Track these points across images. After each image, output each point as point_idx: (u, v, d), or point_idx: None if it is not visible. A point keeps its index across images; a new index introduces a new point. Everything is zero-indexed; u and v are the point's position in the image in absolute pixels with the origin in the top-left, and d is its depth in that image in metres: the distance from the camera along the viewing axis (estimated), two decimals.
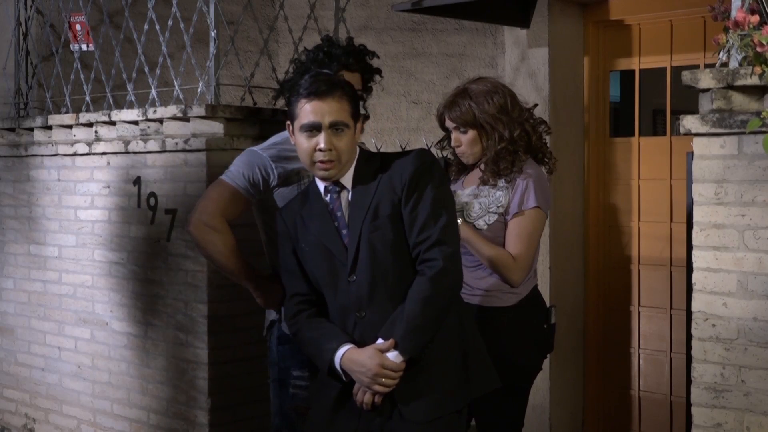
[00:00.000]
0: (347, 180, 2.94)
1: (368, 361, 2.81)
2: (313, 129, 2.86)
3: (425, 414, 2.86)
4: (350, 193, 2.94)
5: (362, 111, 3.11)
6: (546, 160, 3.58)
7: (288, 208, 3.08)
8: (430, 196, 2.86)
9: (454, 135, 3.52)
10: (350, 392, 2.91)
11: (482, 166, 3.51)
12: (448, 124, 3.53)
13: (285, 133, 3.48)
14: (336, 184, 2.95)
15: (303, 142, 2.90)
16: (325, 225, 2.94)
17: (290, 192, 3.34)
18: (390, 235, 2.86)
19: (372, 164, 2.96)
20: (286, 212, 3.06)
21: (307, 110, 2.87)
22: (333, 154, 2.86)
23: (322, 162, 2.87)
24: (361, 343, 2.88)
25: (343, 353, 2.86)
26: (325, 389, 2.99)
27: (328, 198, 2.96)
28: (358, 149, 2.99)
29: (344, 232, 2.91)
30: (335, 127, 2.85)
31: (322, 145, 2.85)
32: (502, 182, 3.45)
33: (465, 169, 3.61)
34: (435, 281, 2.83)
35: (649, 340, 5.05)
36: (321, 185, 2.99)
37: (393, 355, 2.82)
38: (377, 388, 2.83)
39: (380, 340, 2.85)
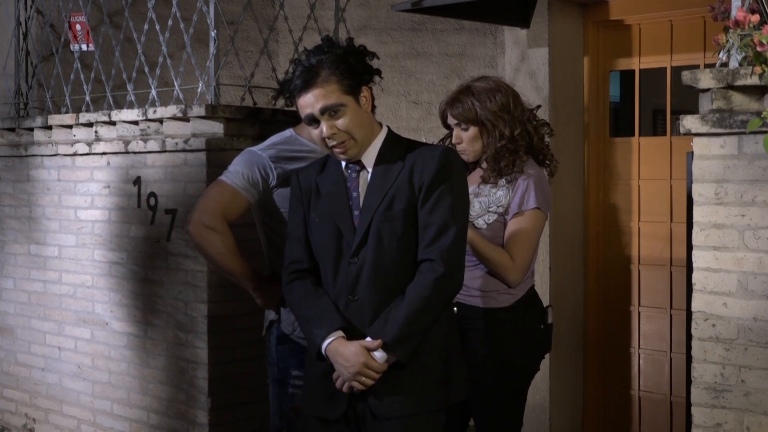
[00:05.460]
0: (369, 160, 2.95)
1: (353, 357, 2.82)
2: (312, 121, 2.90)
3: (399, 410, 2.85)
4: (369, 174, 2.94)
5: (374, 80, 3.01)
6: (547, 162, 3.58)
7: (305, 172, 3.07)
8: (447, 202, 2.86)
9: (455, 132, 3.51)
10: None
11: (483, 165, 3.51)
12: (450, 120, 3.53)
13: (284, 134, 3.48)
14: (357, 163, 2.95)
15: (313, 133, 2.94)
16: (339, 201, 2.95)
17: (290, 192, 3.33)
18: (400, 229, 2.86)
19: (397, 150, 2.95)
20: (303, 176, 3.06)
21: (301, 105, 2.92)
22: (341, 136, 2.88)
23: (335, 147, 2.90)
24: (349, 326, 2.88)
25: (330, 342, 2.86)
26: (314, 368, 2.98)
27: (348, 173, 2.97)
28: (385, 128, 2.99)
29: (356, 213, 2.92)
30: (328, 111, 2.87)
31: (324, 133, 2.88)
32: (503, 182, 3.44)
33: (467, 168, 3.61)
34: (437, 285, 2.83)
35: (649, 340, 5.04)
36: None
37: (379, 355, 2.82)
38: (356, 384, 2.83)
39: (369, 339, 2.84)
